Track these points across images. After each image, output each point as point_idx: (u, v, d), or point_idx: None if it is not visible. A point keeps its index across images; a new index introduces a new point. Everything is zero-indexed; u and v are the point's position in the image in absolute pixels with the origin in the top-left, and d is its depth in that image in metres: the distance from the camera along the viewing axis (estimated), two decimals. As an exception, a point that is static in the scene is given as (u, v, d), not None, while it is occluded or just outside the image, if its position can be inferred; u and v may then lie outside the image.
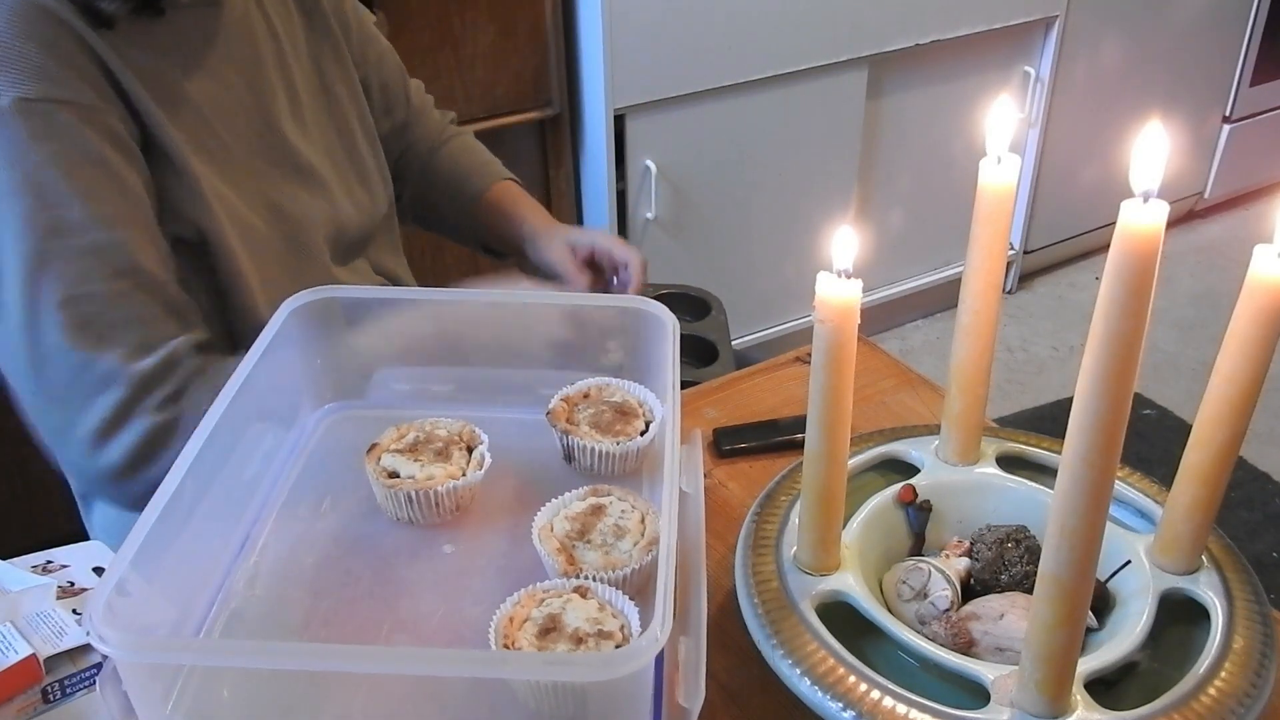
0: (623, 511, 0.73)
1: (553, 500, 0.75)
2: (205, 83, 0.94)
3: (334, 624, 0.70)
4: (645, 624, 0.60)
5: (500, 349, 0.90)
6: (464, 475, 0.77)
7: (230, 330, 0.95)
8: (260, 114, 0.98)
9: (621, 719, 0.60)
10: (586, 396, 0.85)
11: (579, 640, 0.62)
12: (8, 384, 0.89)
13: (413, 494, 0.75)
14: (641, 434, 0.81)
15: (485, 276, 1.05)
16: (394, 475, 0.77)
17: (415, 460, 0.77)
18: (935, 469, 0.80)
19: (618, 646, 0.63)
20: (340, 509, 0.79)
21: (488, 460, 0.78)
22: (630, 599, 0.66)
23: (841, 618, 0.68)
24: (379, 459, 0.78)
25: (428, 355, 0.89)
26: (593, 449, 0.80)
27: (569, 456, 0.82)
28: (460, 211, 1.24)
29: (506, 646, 0.63)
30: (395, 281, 1.16)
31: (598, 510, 0.73)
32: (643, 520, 0.73)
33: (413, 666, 0.58)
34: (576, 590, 0.66)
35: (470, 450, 0.80)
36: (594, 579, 0.68)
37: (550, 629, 0.63)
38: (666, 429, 0.73)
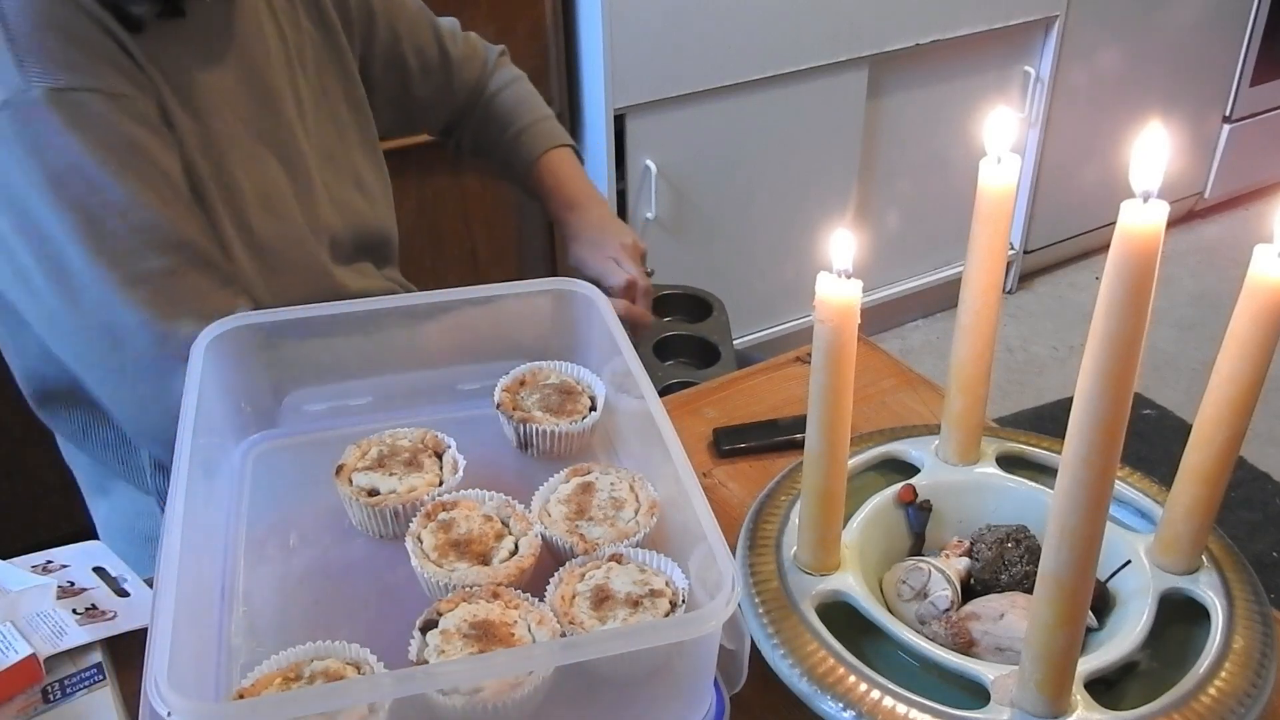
0: (611, 484, 0.74)
1: (540, 489, 0.75)
2: (218, 76, 0.94)
3: None
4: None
5: (415, 352, 0.87)
6: (441, 482, 0.76)
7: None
8: (269, 109, 0.99)
9: (698, 667, 0.60)
10: (523, 383, 0.85)
11: (635, 603, 0.64)
12: (75, 370, 0.91)
13: (399, 508, 0.73)
14: (591, 410, 0.82)
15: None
16: (373, 493, 0.74)
17: (389, 474, 0.75)
18: (935, 469, 0.80)
19: (671, 602, 0.64)
20: (310, 540, 0.75)
21: (461, 462, 0.77)
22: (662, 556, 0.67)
23: (841, 618, 0.68)
24: (350, 479, 0.76)
25: (338, 372, 0.86)
26: (550, 431, 0.80)
27: (525, 444, 0.82)
28: (513, 173, 1.31)
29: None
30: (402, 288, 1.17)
31: (587, 488, 0.74)
32: (632, 488, 0.73)
33: (507, 669, 0.57)
34: (612, 558, 0.67)
35: (439, 455, 0.79)
36: None
37: (604, 598, 0.64)
38: (647, 398, 0.72)
